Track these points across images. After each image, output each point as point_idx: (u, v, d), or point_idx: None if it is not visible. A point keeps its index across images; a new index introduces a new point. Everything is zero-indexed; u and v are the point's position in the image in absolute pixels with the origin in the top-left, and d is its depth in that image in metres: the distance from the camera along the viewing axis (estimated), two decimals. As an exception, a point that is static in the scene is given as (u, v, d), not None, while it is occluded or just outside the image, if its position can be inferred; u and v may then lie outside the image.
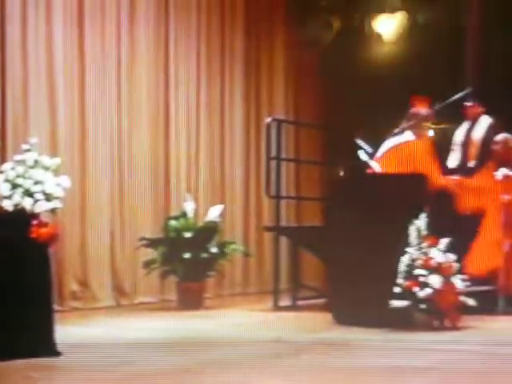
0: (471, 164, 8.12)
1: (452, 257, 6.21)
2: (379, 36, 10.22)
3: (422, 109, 7.54)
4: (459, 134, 8.25)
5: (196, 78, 9.34)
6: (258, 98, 10.16)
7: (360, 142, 7.50)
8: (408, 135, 7.45)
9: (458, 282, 6.16)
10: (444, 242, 6.26)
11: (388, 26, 10.12)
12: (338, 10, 10.36)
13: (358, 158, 7.45)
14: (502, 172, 7.50)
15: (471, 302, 6.17)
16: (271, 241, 8.88)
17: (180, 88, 9.11)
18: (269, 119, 8.73)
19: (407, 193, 6.51)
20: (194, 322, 7.09)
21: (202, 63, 9.40)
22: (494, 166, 7.67)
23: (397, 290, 6.10)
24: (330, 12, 10.19)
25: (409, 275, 6.13)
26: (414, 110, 7.56)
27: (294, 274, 8.32)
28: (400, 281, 6.13)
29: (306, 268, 9.84)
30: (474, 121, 8.18)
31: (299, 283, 8.46)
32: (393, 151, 7.42)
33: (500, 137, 7.80)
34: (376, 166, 7.26)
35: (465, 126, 8.25)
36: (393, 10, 10.06)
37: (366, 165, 7.37)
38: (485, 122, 8.09)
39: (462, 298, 6.14)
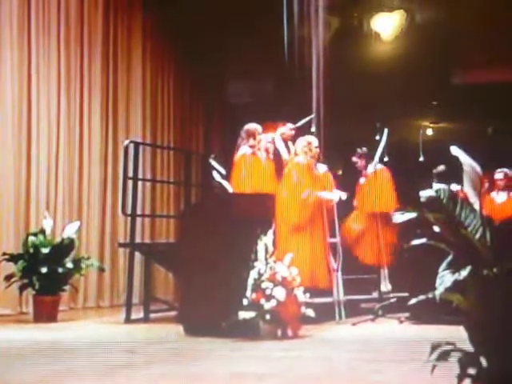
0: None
1: (295, 271, 6.38)
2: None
3: (254, 126, 7.84)
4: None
5: (56, 99, 9.27)
6: (116, 120, 10.17)
7: (214, 164, 7.63)
8: (243, 149, 7.74)
9: (300, 294, 6.33)
10: (288, 257, 6.43)
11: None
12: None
13: (212, 178, 7.59)
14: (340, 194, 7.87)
15: (310, 312, 6.35)
16: (125, 256, 8.85)
17: (41, 110, 9.06)
18: (127, 141, 8.71)
19: (256, 211, 6.66)
20: (48, 333, 6.95)
21: (62, 85, 9.35)
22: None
23: (245, 302, 6.20)
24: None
25: (256, 288, 6.25)
26: (247, 127, 7.85)
27: (147, 287, 8.29)
28: (248, 293, 6.24)
29: (158, 282, 9.88)
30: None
31: (151, 297, 8.46)
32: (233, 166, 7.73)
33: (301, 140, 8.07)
34: (228, 186, 7.41)
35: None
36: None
37: (219, 185, 7.52)
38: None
39: (303, 309, 6.31)
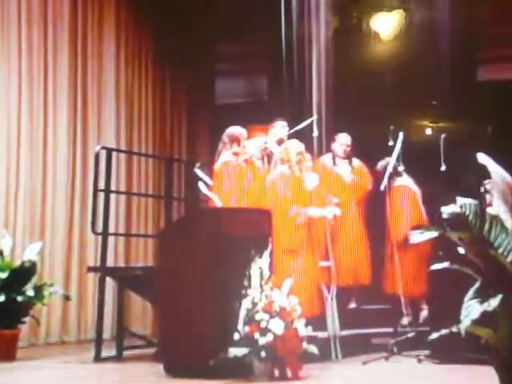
0: None
1: (295, 300, 6.33)
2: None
3: (238, 131, 7.84)
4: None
5: (17, 100, 9.29)
6: (85, 123, 10.16)
7: (200, 174, 7.61)
8: (226, 156, 7.73)
9: (301, 327, 6.28)
10: (287, 283, 6.39)
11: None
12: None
13: (198, 190, 7.57)
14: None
15: (313, 349, 6.30)
16: (95, 283, 8.81)
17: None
18: (98, 147, 8.70)
19: (250, 229, 6.63)
20: (5, 374, 6.90)
21: (24, 85, 9.36)
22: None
23: (236, 336, 6.16)
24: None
25: (250, 320, 6.20)
26: (230, 131, 7.84)
27: (120, 320, 8.26)
28: (240, 326, 6.19)
29: (133, 313, 9.83)
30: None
31: (125, 331, 8.44)
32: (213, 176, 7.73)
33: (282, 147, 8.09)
34: (216, 199, 7.37)
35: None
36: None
37: (206, 197, 7.50)
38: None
39: (304, 345, 6.26)
